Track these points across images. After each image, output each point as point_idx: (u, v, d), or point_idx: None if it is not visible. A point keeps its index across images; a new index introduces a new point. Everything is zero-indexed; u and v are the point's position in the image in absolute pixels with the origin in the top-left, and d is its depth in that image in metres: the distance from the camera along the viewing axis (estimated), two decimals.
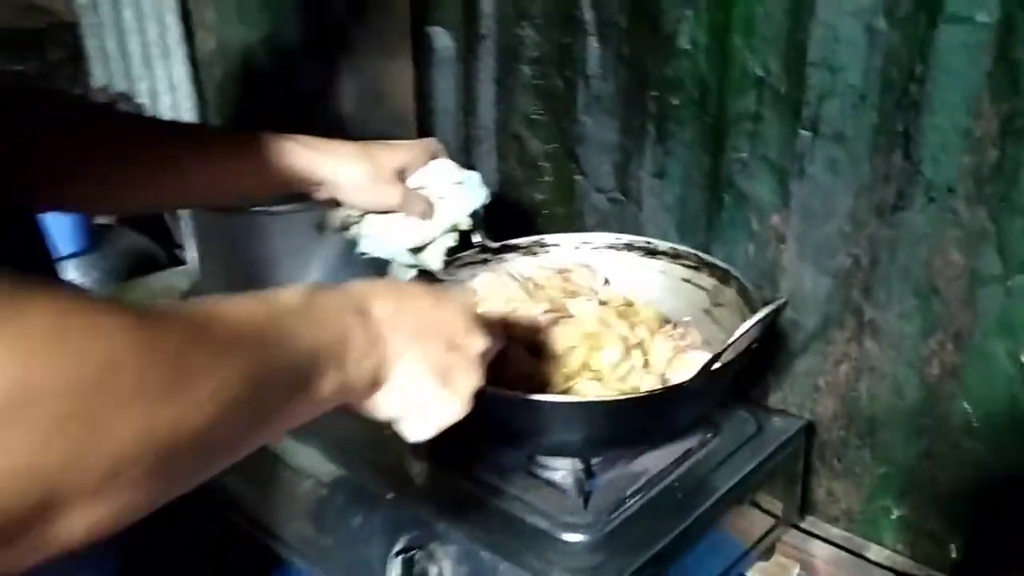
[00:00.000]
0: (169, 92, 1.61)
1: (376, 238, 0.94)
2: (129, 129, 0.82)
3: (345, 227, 0.94)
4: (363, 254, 0.94)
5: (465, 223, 0.96)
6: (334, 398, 0.51)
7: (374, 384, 0.54)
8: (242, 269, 1.08)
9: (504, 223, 1.08)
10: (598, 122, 1.12)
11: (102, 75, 1.67)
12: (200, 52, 1.52)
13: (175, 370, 0.37)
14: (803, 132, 0.96)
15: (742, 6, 0.96)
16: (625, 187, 1.13)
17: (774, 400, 1.06)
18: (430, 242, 0.96)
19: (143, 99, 1.61)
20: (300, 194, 0.89)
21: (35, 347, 0.32)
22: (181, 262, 1.59)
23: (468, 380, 0.59)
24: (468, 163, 1.24)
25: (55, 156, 0.74)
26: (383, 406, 0.56)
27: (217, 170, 0.82)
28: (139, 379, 0.35)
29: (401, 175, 0.91)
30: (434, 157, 0.95)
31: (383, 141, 0.91)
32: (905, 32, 0.87)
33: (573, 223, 1.17)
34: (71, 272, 1.37)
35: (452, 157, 0.97)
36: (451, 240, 0.96)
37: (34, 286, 0.33)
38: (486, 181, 0.98)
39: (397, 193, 0.89)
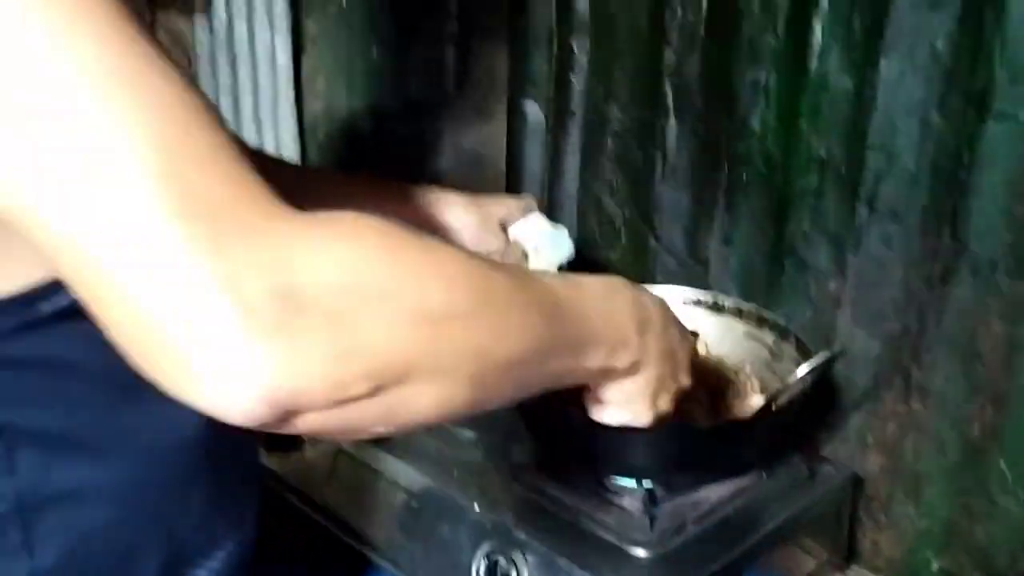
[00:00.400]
0: (275, 152, 1.77)
1: None
2: (279, 171, 0.96)
3: None
4: None
5: (553, 270, 1.08)
6: (591, 375, 0.64)
7: (623, 376, 0.67)
8: None
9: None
10: (673, 192, 1.24)
11: None
12: (307, 115, 1.68)
13: (501, 304, 0.51)
14: (860, 209, 1.07)
15: (810, 95, 1.08)
16: (695, 251, 1.24)
17: (826, 452, 1.14)
18: None
19: None
20: None
21: (431, 273, 0.47)
22: None
23: (666, 406, 0.73)
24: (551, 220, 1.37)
25: None
26: (612, 394, 0.69)
27: (366, 208, 0.96)
28: (476, 304, 0.49)
29: (503, 224, 1.03)
30: (530, 211, 1.08)
31: (488, 194, 1.04)
32: (955, 125, 0.98)
33: (644, 283, 1.28)
34: None
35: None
36: None
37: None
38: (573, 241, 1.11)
39: (500, 240, 1.02)
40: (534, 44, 1.34)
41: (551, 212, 1.38)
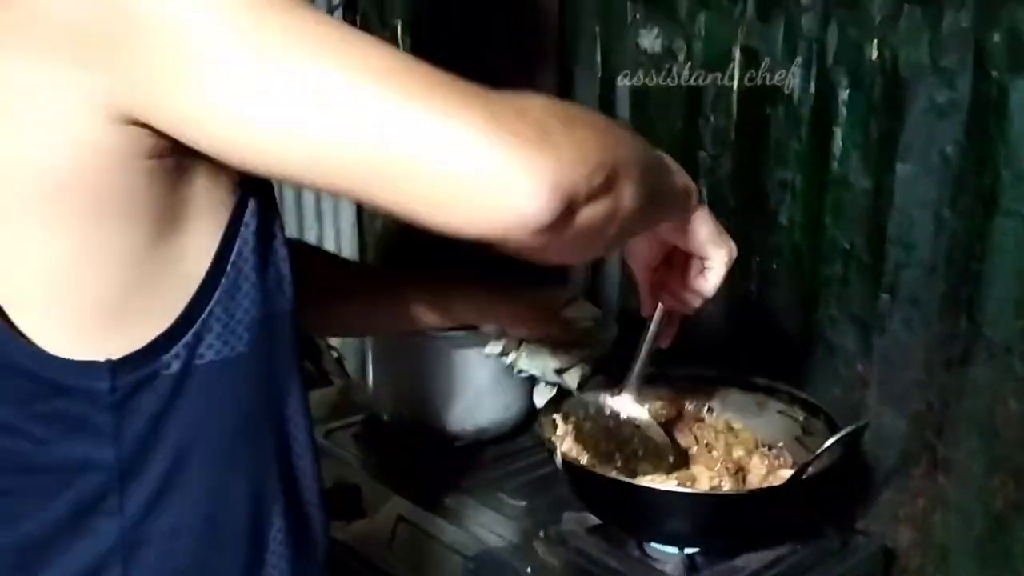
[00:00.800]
0: (334, 240, 1.91)
1: (528, 361, 1.16)
2: (336, 269, 1.09)
3: (505, 352, 1.16)
4: (519, 372, 1.16)
5: (603, 351, 1.18)
6: (685, 195, 0.80)
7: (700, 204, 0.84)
8: (412, 385, 1.31)
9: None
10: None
11: None
12: (365, 208, 1.83)
13: (633, 137, 0.69)
14: (883, 296, 1.16)
15: (832, 193, 1.19)
16: (729, 332, 1.33)
17: (859, 525, 1.21)
18: (571, 367, 1.18)
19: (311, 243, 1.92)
20: (470, 324, 1.13)
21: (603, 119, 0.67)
22: (329, 382, 1.83)
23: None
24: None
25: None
26: (703, 222, 0.85)
27: (403, 304, 1.07)
28: (625, 133, 0.68)
29: (549, 311, 1.13)
30: (573, 299, 1.18)
31: (533, 285, 1.14)
32: (966, 220, 1.08)
33: (684, 363, 1.37)
34: None
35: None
36: (587, 369, 1.18)
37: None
38: (623, 328, 1.20)
39: (546, 326, 1.12)
40: None
41: (597, 298, 1.48)
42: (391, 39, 1.65)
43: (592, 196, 0.59)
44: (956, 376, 1.11)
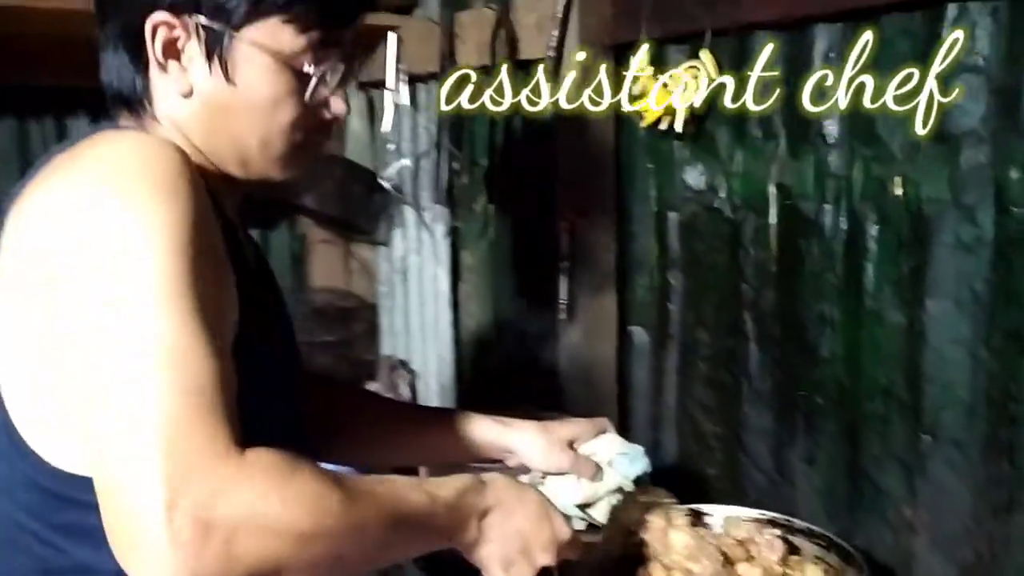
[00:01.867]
0: (435, 362, 2.01)
1: (552, 494, 1.19)
2: (376, 408, 1.17)
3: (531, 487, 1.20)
4: None
5: (628, 487, 1.19)
6: (443, 547, 0.82)
7: (470, 549, 0.85)
8: None
9: (679, 488, 1.30)
10: (758, 413, 1.32)
11: (388, 346, 2.12)
12: (463, 332, 1.92)
13: (354, 521, 0.71)
14: (924, 437, 1.12)
15: (868, 328, 1.16)
16: (781, 469, 1.30)
17: None
18: (597, 500, 1.19)
19: (416, 367, 2.03)
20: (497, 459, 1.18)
21: (302, 503, 0.67)
22: None
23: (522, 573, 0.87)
24: (654, 438, 1.48)
25: (330, 422, 1.09)
26: (474, 559, 0.86)
27: (433, 440, 1.14)
28: (334, 523, 0.69)
29: (572, 444, 1.16)
30: (603, 431, 1.20)
31: (561, 419, 1.18)
32: (1001, 360, 1.03)
33: (738, 497, 1.35)
34: None
35: (642, 432, 1.20)
36: (615, 500, 1.19)
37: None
38: (671, 458, 1.21)
39: (568, 459, 1.14)
40: (638, 275, 1.50)
41: (655, 427, 1.49)
42: (474, 174, 1.77)
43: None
44: (1003, 523, 1.04)
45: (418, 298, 2.04)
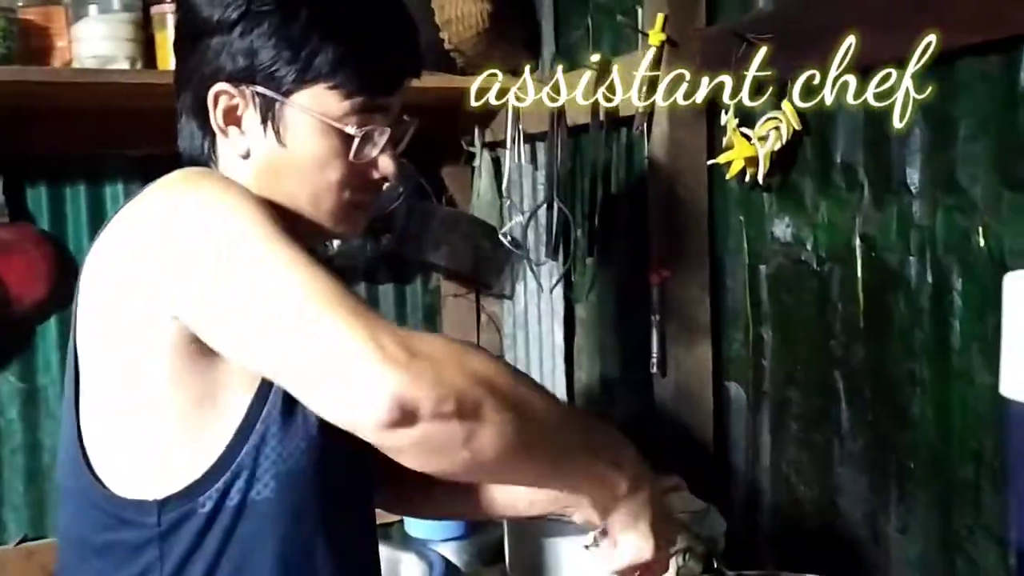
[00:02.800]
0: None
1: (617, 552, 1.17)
2: None
3: (597, 544, 1.19)
4: None
5: (698, 547, 1.15)
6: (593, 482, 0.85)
7: (627, 494, 0.87)
8: (537, 564, 1.37)
9: (773, 552, 1.25)
10: (850, 476, 1.25)
11: None
12: (576, 385, 1.93)
13: (534, 393, 0.78)
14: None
15: (957, 389, 1.09)
16: (875, 537, 1.23)
17: None
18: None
19: None
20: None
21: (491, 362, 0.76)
22: None
23: (662, 544, 0.89)
24: (750, 498, 1.43)
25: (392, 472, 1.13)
26: (621, 515, 0.88)
27: (500, 494, 1.15)
28: (515, 383, 0.76)
29: None
30: (676, 489, 1.18)
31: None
32: None
33: (833, 564, 1.28)
34: (449, 553, 1.76)
35: (739, 492, 1.16)
36: (685, 559, 1.16)
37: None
38: (764, 519, 1.16)
39: None
40: (732, 329, 1.46)
41: (753, 486, 1.44)
42: (583, 229, 1.79)
43: (439, 416, 0.69)
44: None
45: (537, 351, 2.08)
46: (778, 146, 1.26)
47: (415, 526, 1.86)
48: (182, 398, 0.84)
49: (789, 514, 1.36)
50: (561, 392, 1.98)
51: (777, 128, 1.26)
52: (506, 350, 2.20)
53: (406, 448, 0.71)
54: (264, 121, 0.90)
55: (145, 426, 0.85)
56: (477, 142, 2.09)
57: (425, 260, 2.20)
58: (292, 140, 0.90)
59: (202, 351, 0.82)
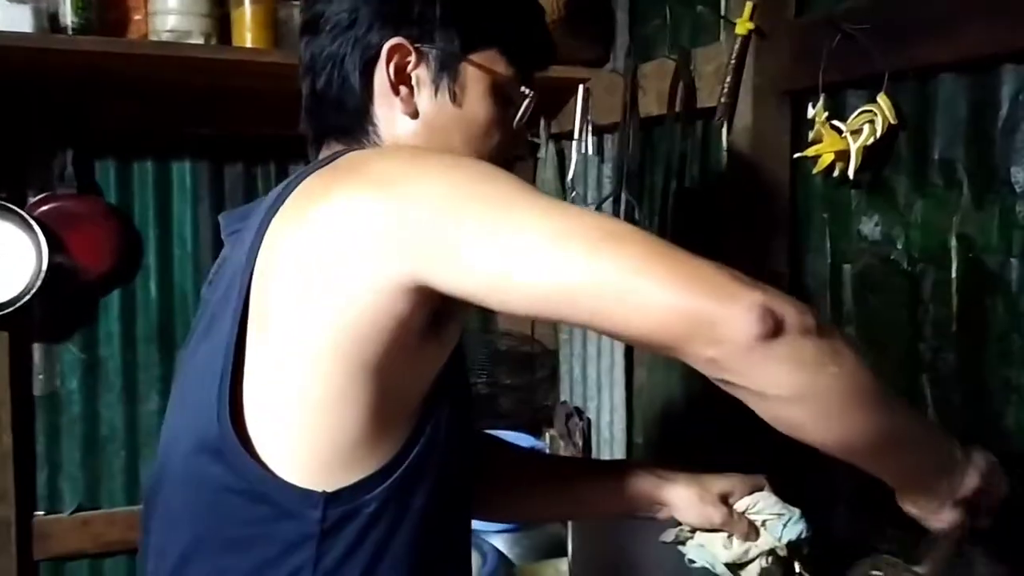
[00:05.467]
0: (609, 411, 1.99)
1: (702, 550, 1.14)
2: (529, 464, 1.19)
3: (680, 541, 1.15)
4: (691, 562, 1.14)
5: (782, 550, 1.11)
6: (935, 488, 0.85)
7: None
8: (602, 561, 1.34)
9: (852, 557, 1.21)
10: None
11: (566, 392, 2.13)
12: (636, 382, 1.90)
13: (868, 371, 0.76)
14: None
15: None
16: (965, 555, 1.18)
17: None
18: (749, 561, 1.13)
19: (591, 415, 2.02)
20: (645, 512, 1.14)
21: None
22: None
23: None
24: (830, 503, 1.39)
25: (493, 481, 1.11)
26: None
27: (584, 495, 1.13)
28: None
29: (725, 499, 1.11)
30: (759, 489, 1.14)
31: (717, 472, 1.13)
32: None
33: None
34: (502, 545, 1.73)
35: (816, 495, 1.11)
36: (767, 562, 1.12)
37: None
38: (842, 524, 1.12)
39: (719, 514, 1.09)
40: None
41: (831, 497, 1.39)
42: (651, 224, 1.75)
43: (804, 329, 0.69)
44: None
45: (596, 347, 2.04)
46: (871, 141, 1.22)
47: None
48: (383, 385, 0.78)
49: (868, 528, 1.32)
50: (620, 390, 1.95)
51: (871, 122, 1.21)
52: (563, 345, 2.17)
53: (776, 364, 0.69)
54: (438, 79, 0.89)
55: (339, 409, 0.77)
56: (543, 133, 2.07)
57: None
58: (465, 100, 0.90)
59: (419, 337, 0.78)
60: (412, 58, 0.89)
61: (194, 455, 0.81)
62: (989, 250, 1.12)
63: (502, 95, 0.92)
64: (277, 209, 0.79)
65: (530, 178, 2.14)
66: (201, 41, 1.65)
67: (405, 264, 0.73)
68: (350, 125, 0.91)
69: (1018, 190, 1.08)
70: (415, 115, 0.89)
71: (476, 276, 0.72)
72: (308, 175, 0.81)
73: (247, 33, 1.64)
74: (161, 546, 0.86)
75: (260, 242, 0.79)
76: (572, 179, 1.94)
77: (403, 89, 0.89)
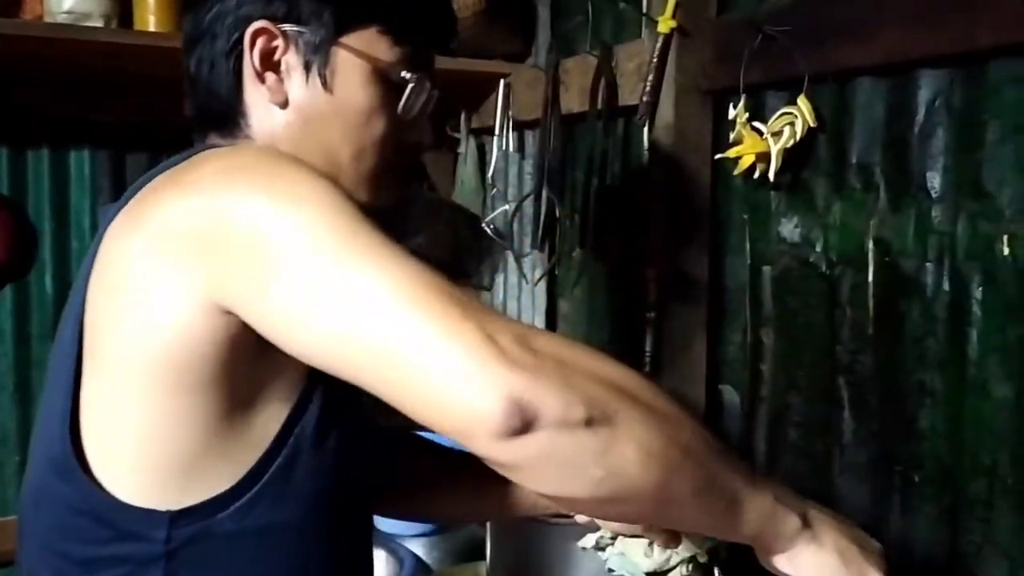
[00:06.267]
0: None
1: (622, 559, 1.12)
2: (430, 459, 1.14)
3: (600, 547, 1.13)
4: (611, 571, 1.12)
5: (703, 556, 1.10)
6: (764, 520, 0.70)
7: (804, 540, 0.72)
8: (520, 565, 1.31)
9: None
10: (850, 486, 1.21)
11: None
12: None
13: (673, 409, 0.65)
14: None
15: (972, 401, 1.05)
16: None
17: None
18: (669, 569, 1.11)
19: None
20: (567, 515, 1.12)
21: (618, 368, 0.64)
22: None
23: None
24: None
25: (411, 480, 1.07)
26: (803, 564, 0.73)
27: (496, 491, 1.09)
28: (654, 397, 0.64)
29: None
30: None
31: None
32: None
33: None
34: (419, 550, 1.69)
35: None
36: (687, 570, 1.11)
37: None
38: None
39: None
40: (730, 331, 1.42)
41: None
42: (571, 221, 1.73)
43: (565, 424, 0.59)
44: None
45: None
46: (791, 143, 1.21)
47: (385, 521, 1.79)
48: (218, 401, 0.72)
49: None
50: None
51: (792, 124, 1.21)
52: None
53: (527, 463, 0.60)
54: (308, 66, 0.81)
55: (169, 428, 0.72)
56: (463, 128, 2.03)
57: (404, 246, 2.14)
58: (339, 87, 0.82)
59: (247, 351, 0.71)
60: (279, 42, 0.81)
61: (46, 471, 0.76)
62: (905, 254, 1.12)
63: (386, 81, 0.83)
64: (122, 208, 0.74)
65: (450, 174, 2.10)
66: (101, 24, 1.55)
67: (213, 287, 0.68)
68: (222, 114, 0.84)
69: (933, 195, 1.09)
70: (285, 104, 0.82)
71: (273, 319, 0.67)
72: (163, 171, 0.75)
73: (150, 16, 1.55)
74: (28, 562, 0.81)
75: (99, 244, 0.73)
76: (492, 175, 1.90)
77: (270, 76, 0.81)
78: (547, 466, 0.61)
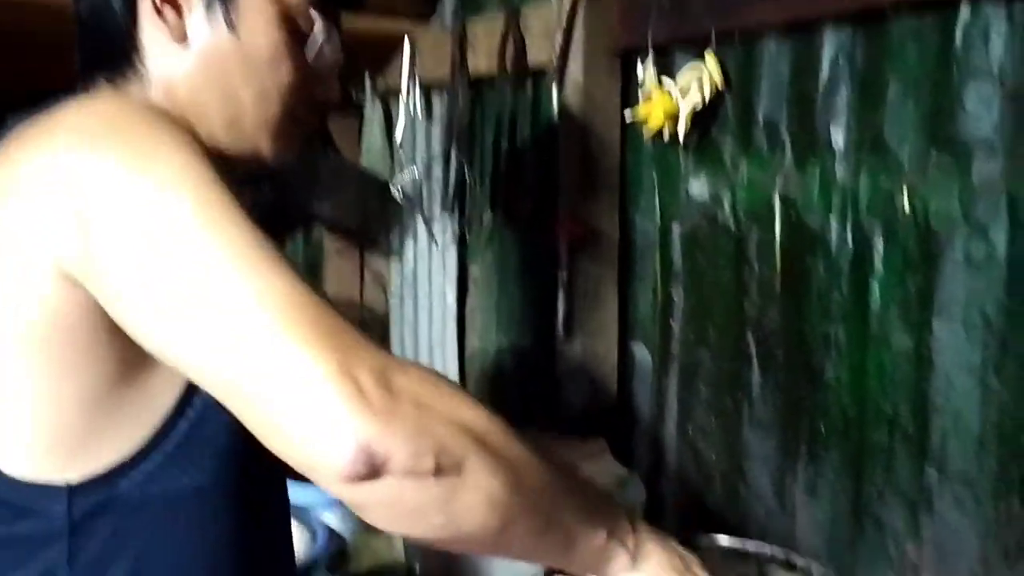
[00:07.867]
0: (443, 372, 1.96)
1: None
2: None
3: None
4: None
5: None
6: (595, 557, 0.71)
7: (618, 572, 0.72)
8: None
9: (680, 518, 1.23)
10: (760, 440, 1.25)
11: None
12: (468, 348, 1.87)
13: (523, 450, 0.64)
14: (930, 471, 1.03)
15: (874, 352, 1.08)
16: (782, 501, 1.22)
17: None
18: None
19: None
20: None
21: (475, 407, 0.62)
22: None
23: None
24: (655, 462, 1.41)
25: None
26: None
27: None
28: (510, 439, 0.63)
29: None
30: (599, 454, 1.14)
31: (555, 439, 1.12)
32: (1014, 390, 0.94)
33: (739, 528, 1.27)
34: (333, 521, 1.67)
35: (643, 456, 1.13)
36: None
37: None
38: (670, 485, 1.14)
39: None
40: (640, 290, 1.43)
41: (657, 452, 1.42)
42: (481, 184, 1.72)
43: (413, 473, 0.58)
44: (1014, 570, 0.95)
45: (427, 311, 2.00)
46: (700, 104, 1.22)
47: (297, 492, 1.75)
48: (102, 369, 0.68)
49: (695, 477, 1.35)
50: (452, 355, 1.92)
51: (699, 80, 1.22)
52: (393, 310, 2.11)
53: (369, 505, 0.60)
54: (211, 2, 0.76)
55: (54, 400, 0.68)
56: (368, 89, 1.99)
57: (307, 212, 2.09)
58: (243, 27, 0.77)
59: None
60: None
61: None
62: (810, 210, 1.15)
63: (293, 25, 0.79)
64: None
65: (355, 139, 2.06)
66: None
67: (66, 260, 0.64)
68: (112, 55, 0.78)
69: (837, 152, 1.11)
70: (184, 40, 0.77)
71: (121, 305, 0.64)
72: (17, 130, 0.70)
73: None
74: None
75: None
76: (400, 139, 1.87)
77: (170, 13, 0.76)
78: (389, 510, 0.61)
